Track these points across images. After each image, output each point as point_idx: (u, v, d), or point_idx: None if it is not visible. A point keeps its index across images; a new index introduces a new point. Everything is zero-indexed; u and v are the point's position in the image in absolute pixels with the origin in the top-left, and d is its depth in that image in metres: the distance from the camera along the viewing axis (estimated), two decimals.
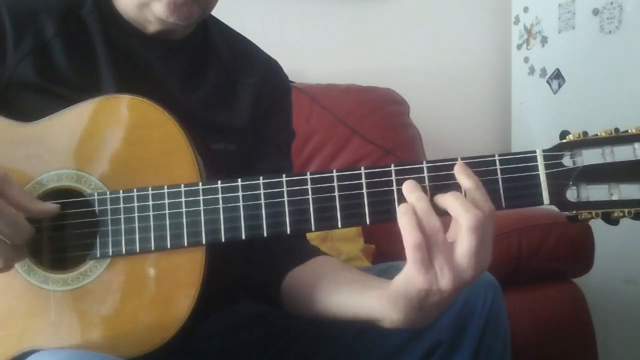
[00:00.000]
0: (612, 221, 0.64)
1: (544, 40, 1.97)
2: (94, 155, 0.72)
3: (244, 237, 0.68)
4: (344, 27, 2.07)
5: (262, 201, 0.68)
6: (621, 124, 0.64)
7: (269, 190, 0.68)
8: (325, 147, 1.74)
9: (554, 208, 0.66)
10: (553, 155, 0.64)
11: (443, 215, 0.62)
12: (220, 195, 0.69)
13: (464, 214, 0.60)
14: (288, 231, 0.67)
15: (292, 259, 0.83)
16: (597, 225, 1.02)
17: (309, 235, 0.97)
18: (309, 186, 0.67)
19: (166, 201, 0.70)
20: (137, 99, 0.74)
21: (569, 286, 1.37)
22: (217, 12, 0.89)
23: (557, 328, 1.31)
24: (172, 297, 0.70)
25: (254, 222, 0.68)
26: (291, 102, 1.00)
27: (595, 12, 1.75)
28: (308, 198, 0.67)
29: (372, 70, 2.04)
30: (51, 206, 0.68)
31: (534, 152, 0.65)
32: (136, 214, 0.70)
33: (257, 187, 0.68)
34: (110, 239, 0.70)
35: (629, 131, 0.63)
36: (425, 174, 0.65)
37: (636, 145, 0.62)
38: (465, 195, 0.63)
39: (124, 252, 0.70)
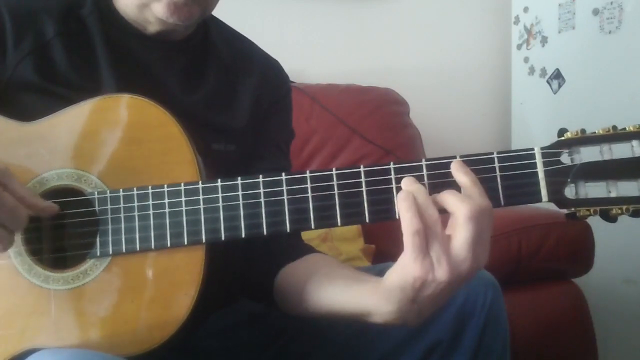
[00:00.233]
0: (611, 218, 0.64)
1: (544, 40, 1.97)
2: (94, 155, 0.72)
3: (243, 235, 0.68)
4: (344, 27, 2.08)
5: (262, 200, 0.68)
6: (621, 123, 0.64)
7: (269, 189, 0.68)
8: (325, 147, 1.74)
9: (553, 207, 0.66)
10: (551, 152, 0.65)
11: (441, 213, 0.62)
12: (220, 194, 0.69)
13: (462, 205, 0.60)
14: (288, 229, 0.68)
15: (287, 256, 0.83)
16: (597, 225, 1.02)
17: (309, 235, 0.97)
18: (308, 185, 0.67)
19: (166, 200, 0.70)
20: (137, 99, 0.74)
21: (569, 286, 1.37)
22: (217, 12, 0.89)
23: (557, 328, 1.31)
24: (172, 296, 0.70)
25: (254, 221, 0.68)
26: (291, 102, 1.00)
27: (595, 12, 1.75)
28: (308, 196, 0.67)
29: (372, 70, 2.05)
30: (51, 205, 0.69)
31: (532, 149, 0.65)
32: (136, 213, 0.70)
33: (256, 185, 0.68)
34: (110, 237, 0.70)
35: (627, 129, 0.63)
36: (424, 172, 0.65)
37: (634, 142, 0.63)
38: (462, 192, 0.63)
39: (124, 251, 0.70)
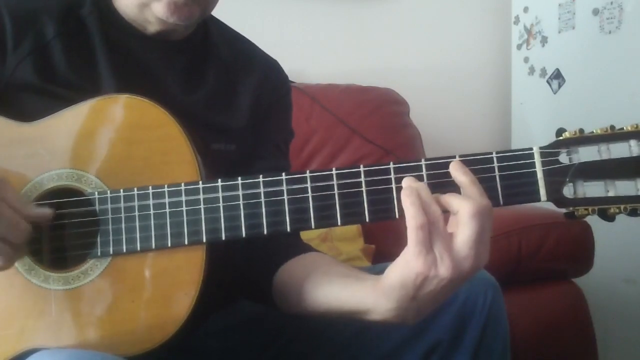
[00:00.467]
0: (609, 217, 0.64)
1: (544, 40, 1.97)
2: (94, 155, 0.73)
3: (244, 235, 0.68)
4: (344, 27, 2.08)
5: (262, 199, 0.68)
6: (621, 123, 0.65)
7: (269, 189, 0.68)
8: (325, 147, 1.74)
9: (552, 207, 0.67)
10: (550, 152, 0.65)
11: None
12: (220, 194, 0.69)
13: (465, 203, 0.60)
14: (288, 229, 0.68)
15: (285, 254, 0.83)
16: (597, 225, 1.02)
17: (309, 235, 0.97)
18: (308, 184, 0.67)
19: (166, 200, 0.70)
20: (137, 99, 0.74)
21: (569, 286, 1.37)
22: (217, 12, 0.89)
23: (557, 328, 1.31)
24: (172, 296, 0.70)
25: (254, 221, 0.68)
26: (291, 102, 1.00)
27: (595, 12, 1.75)
28: (308, 196, 0.67)
29: (372, 70, 2.05)
30: (45, 211, 0.68)
31: (531, 149, 0.65)
32: (137, 213, 0.70)
33: (257, 185, 0.68)
34: (110, 238, 0.70)
35: (625, 128, 0.64)
36: (424, 172, 0.66)
37: (632, 142, 0.63)
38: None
39: (124, 251, 0.70)
